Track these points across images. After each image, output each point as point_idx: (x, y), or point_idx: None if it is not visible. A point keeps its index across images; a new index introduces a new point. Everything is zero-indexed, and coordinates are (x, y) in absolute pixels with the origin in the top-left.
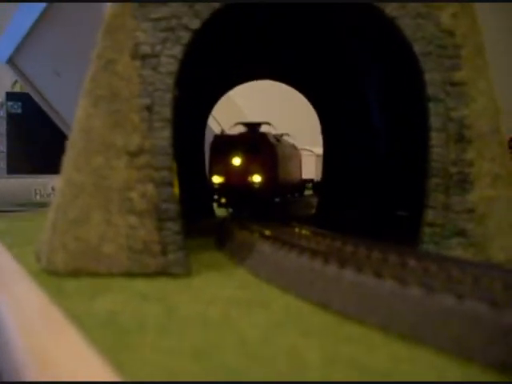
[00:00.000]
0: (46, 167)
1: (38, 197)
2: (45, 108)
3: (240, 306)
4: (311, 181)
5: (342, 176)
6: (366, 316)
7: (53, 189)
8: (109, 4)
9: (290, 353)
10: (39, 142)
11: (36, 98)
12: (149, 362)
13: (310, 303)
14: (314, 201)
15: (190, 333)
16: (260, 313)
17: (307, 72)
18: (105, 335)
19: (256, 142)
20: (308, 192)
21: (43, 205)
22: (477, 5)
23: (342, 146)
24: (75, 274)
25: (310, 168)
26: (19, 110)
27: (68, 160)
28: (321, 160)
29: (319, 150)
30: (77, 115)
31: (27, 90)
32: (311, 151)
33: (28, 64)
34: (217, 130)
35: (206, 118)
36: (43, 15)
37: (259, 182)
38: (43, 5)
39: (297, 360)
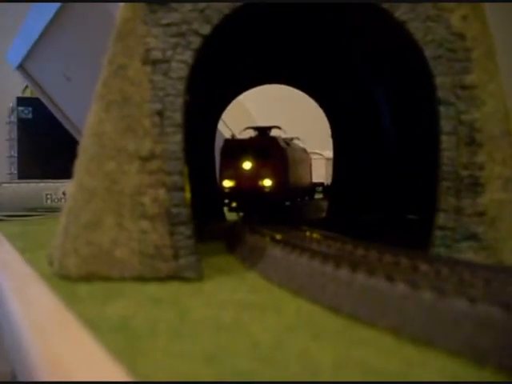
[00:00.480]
0: (56, 172)
1: (49, 201)
2: (55, 113)
3: (252, 309)
4: (321, 184)
5: (352, 179)
6: (377, 319)
7: (64, 194)
8: (120, 9)
9: (302, 356)
10: (50, 147)
11: (46, 103)
12: (160, 365)
13: (321, 306)
14: (324, 204)
15: (202, 337)
16: (272, 316)
17: (316, 75)
18: (117, 339)
19: (266, 146)
20: (318, 196)
21: (54, 209)
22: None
23: (351, 149)
24: (87, 278)
25: (320, 172)
26: (30, 115)
27: (80, 165)
28: (331, 163)
29: (329, 154)
30: (88, 120)
31: (37, 95)
32: (321, 155)
33: (38, 69)
34: (227, 135)
35: (217, 122)
36: (53, 20)
37: (270, 186)
38: (53, 10)
39: (309, 363)
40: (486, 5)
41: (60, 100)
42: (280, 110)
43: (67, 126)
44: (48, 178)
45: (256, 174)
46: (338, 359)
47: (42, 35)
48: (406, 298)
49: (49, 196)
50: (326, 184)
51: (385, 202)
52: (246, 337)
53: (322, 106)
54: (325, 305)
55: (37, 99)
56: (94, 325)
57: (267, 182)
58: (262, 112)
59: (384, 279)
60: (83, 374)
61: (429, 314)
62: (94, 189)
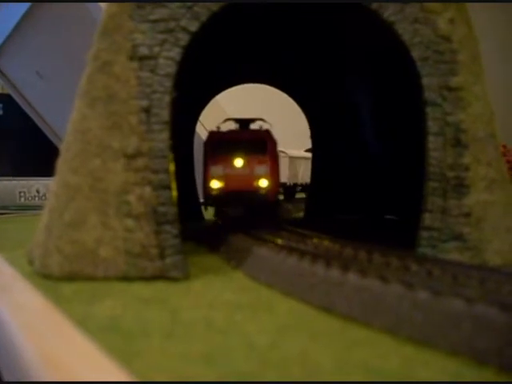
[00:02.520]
0: (27, 170)
1: (22, 199)
2: (26, 109)
3: (243, 309)
4: (283, 185)
5: (331, 179)
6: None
7: (37, 191)
8: (106, 5)
9: (301, 357)
10: (21, 144)
11: (18, 100)
12: (158, 366)
13: (312, 306)
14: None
15: (197, 337)
16: (265, 317)
17: (299, 76)
18: (110, 340)
19: (261, 138)
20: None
21: (28, 207)
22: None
23: (331, 150)
24: (71, 277)
25: (284, 171)
26: (0, 112)
27: (63, 162)
28: (294, 162)
29: (293, 152)
30: (72, 117)
31: (9, 91)
32: (285, 153)
33: (9, 65)
34: (202, 134)
35: (196, 120)
36: (26, 17)
37: (266, 188)
38: (26, 6)
39: (309, 364)
40: (485, 5)
41: (32, 97)
42: (250, 108)
43: (39, 123)
44: (19, 175)
45: (250, 173)
46: (338, 360)
47: (14, 31)
48: (401, 298)
49: (22, 194)
50: (288, 184)
51: (364, 202)
52: (242, 337)
53: (301, 106)
54: (316, 305)
55: (8, 95)
56: (84, 325)
57: (263, 183)
58: (231, 110)
59: (377, 279)
60: (80, 372)
61: (424, 314)
62: (77, 186)
